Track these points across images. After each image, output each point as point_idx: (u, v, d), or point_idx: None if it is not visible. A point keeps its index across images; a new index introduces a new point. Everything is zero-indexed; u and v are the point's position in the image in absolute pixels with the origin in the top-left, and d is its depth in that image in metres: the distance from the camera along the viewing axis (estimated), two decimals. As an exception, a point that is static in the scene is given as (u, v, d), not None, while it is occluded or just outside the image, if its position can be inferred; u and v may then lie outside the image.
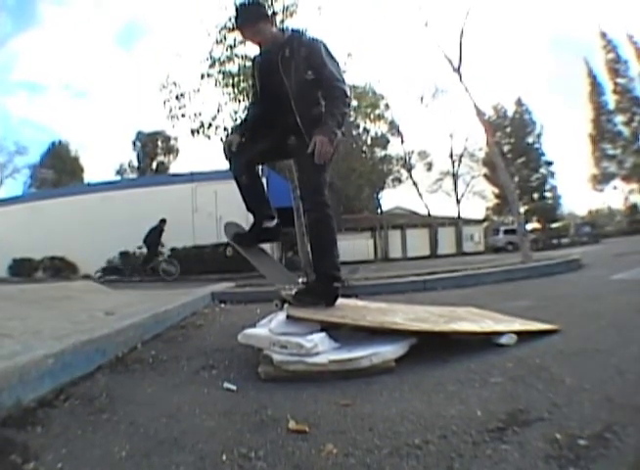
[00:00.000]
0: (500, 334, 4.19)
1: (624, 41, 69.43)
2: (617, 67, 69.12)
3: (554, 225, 68.58)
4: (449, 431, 2.36)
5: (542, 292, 7.85)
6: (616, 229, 60.41)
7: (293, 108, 4.82)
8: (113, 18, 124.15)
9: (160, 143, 78.92)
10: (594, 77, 72.64)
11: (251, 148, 5.24)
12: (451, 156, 72.27)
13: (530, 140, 75.47)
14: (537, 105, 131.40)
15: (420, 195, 67.37)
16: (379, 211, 67.17)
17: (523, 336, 4.22)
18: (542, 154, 75.77)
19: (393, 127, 62.68)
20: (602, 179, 70.14)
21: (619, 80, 68.91)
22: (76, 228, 28.25)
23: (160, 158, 79.62)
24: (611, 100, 71.20)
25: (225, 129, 16.69)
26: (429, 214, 63.72)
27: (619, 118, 69.71)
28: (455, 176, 71.64)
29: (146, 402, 3.11)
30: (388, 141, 68.48)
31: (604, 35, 70.45)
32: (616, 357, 3.40)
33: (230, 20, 16.40)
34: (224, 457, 2.19)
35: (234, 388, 3.34)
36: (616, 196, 72.73)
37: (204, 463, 2.17)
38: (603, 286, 7.65)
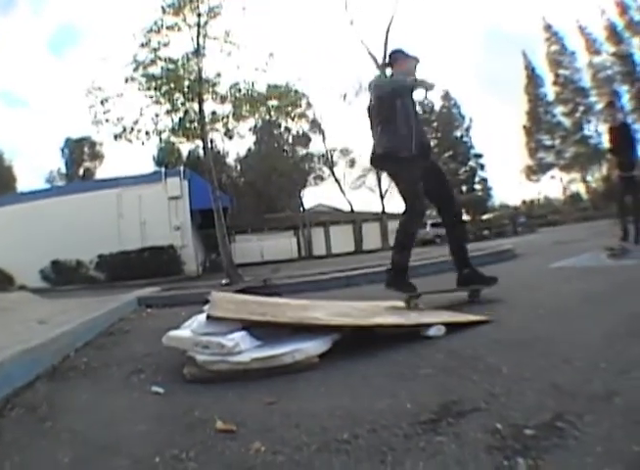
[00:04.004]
0: (428, 326, 4.20)
1: (572, 33, 70.67)
2: (560, 58, 70.23)
3: (485, 217, 69.36)
4: (378, 425, 2.35)
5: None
6: (554, 219, 61.15)
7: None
8: (44, 23, 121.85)
9: (86, 149, 77.89)
10: (532, 70, 73.92)
11: None
12: None
13: (459, 134, 76.25)
14: (468, 99, 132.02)
15: (343, 192, 67.43)
16: (301, 209, 67.30)
17: (453, 328, 4.23)
18: (471, 147, 76.61)
19: (315, 126, 62.71)
20: (537, 170, 71.01)
21: (562, 72, 70.04)
22: (10, 239, 27.75)
23: (87, 164, 78.55)
24: (550, 91, 72.62)
25: (147, 133, 16.69)
26: (352, 211, 63.89)
27: (560, 109, 70.94)
28: (378, 172, 71.98)
29: (83, 410, 3.12)
30: (309, 139, 68.91)
31: (548, 27, 71.62)
32: (559, 346, 3.40)
33: (155, 23, 16.46)
34: (157, 460, 2.20)
35: (162, 391, 3.35)
36: (553, 186, 73.58)
37: (139, 467, 2.18)
38: (540, 274, 7.74)
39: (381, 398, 2.77)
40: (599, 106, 65.49)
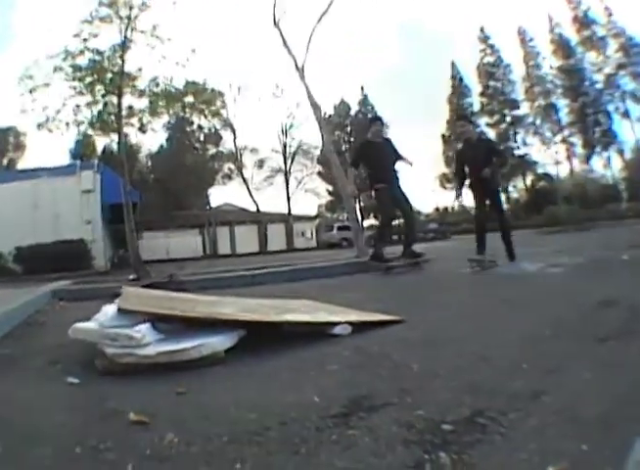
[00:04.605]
0: (334, 325, 4.28)
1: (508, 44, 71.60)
2: (493, 70, 71.57)
3: (394, 222, 69.12)
4: (288, 417, 2.39)
5: (381, 285, 8.02)
6: (470, 227, 61.38)
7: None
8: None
9: (11, 139, 75.92)
10: (460, 80, 75.31)
11: None
12: (284, 153, 72.08)
13: (373, 139, 75.99)
14: (385, 106, 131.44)
15: (250, 192, 67.02)
16: (208, 207, 66.88)
17: (361, 327, 4.29)
18: (384, 153, 76.48)
19: (227, 124, 62.43)
20: (453, 178, 71.75)
21: (493, 83, 71.43)
22: None
23: (11, 154, 76.48)
24: (476, 102, 74.01)
25: (67, 124, 16.55)
26: (258, 211, 63.57)
27: (484, 120, 72.33)
28: (287, 173, 71.80)
29: (6, 400, 3.12)
30: (220, 137, 68.67)
31: (485, 39, 72.89)
32: (475, 346, 3.47)
33: (91, 13, 16.36)
34: (78, 450, 2.20)
35: (77, 381, 3.36)
36: (468, 194, 74.14)
37: (62, 456, 2.17)
38: (452, 278, 7.94)
39: (288, 391, 2.83)
40: (530, 118, 67.31)
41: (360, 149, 12.20)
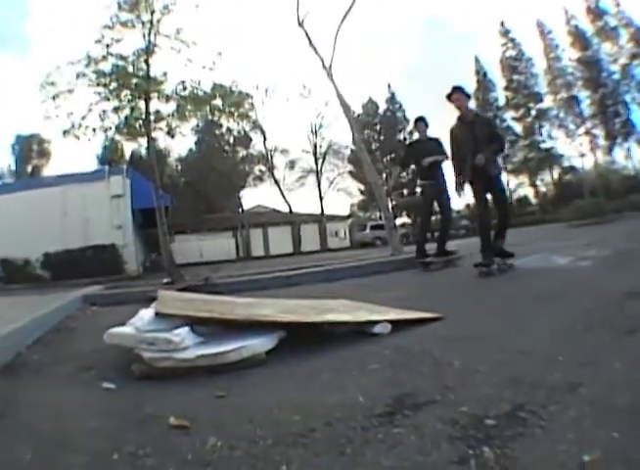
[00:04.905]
0: (374, 323, 4.23)
1: (530, 37, 71.11)
2: (516, 64, 70.82)
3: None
4: (333, 418, 2.36)
5: (417, 282, 7.86)
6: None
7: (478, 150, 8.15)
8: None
9: (35, 146, 76.60)
10: (484, 75, 74.39)
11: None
12: (315, 153, 72.02)
13: (402, 137, 75.78)
14: (411, 102, 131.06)
15: (282, 193, 67.06)
16: (240, 210, 66.79)
17: (400, 326, 4.25)
18: (414, 150, 76.22)
19: (257, 126, 62.31)
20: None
21: (517, 77, 70.60)
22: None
23: (35, 161, 77.16)
24: (501, 96, 73.19)
25: (94, 130, 16.56)
26: (291, 212, 63.57)
27: (510, 114, 71.69)
28: (318, 174, 71.72)
29: (38, 406, 3.09)
30: (250, 140, 68.46)
31: (506, 33, 72.16)
32: (514, 341, 3.45)
33: (111, 19, 16.36)
34: (115, 456, 2.16)
35: (113, 386, 3.32)
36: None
37: (98, 463, 2.13)
38: (486, 275, 7.70)
39: (331, 392, 2.80)
40: (554, 111, 66.67)
41: (408, 148, 12.24)
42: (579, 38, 64.30)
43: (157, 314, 3.91)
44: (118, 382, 3.41)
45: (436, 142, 11.23)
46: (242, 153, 68.66)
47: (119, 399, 3.11)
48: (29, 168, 75.70)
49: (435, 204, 11.16)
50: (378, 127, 76.92)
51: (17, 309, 7.09)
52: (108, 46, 16.55)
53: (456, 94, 8.81)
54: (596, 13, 62.37)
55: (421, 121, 11.49)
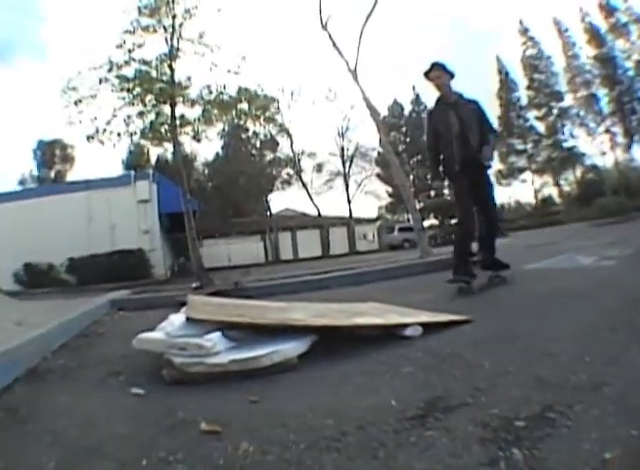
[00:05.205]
0: (405, 326, 4.21)
1: (549, 35, 70.81)
2: (536, 63, 70.43)
3: (454, 221, 69.29)
4: (365, 422, 2.35)
5: (444, 285, 7.87)
6: (527, 222, 60.98)
7: (472, 143, 7.03)
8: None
9: (57, 151, 77.29)
10: (506, 74, 74.12)
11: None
12: (342, 156, 74.13)
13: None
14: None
15: (310, 196, 67.25)
16: (268, 213, 67.31)
17: (430, 328, 4.23)
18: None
19: (283, 129, 62.46)
20: (508, 174, 70.93)
21: (537, 76, 70.25)
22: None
23: (58, 166, 77.85)
24: (524, 96, 72.85)
25: (118, 135, 16.61)
26: (319, 215, 63.63)
27: (533, 113, 71.34)
28: (346, 177, 71.87)
29: (63, 412, 3.06)
30: (277, 143, 68.90)
31: (525, 31, 71.75)
32: (540, 342, 3.46)
33: (132, 23, 16.39)
34: (144, 462, 2.16)
35: (142, 392, 3.31)
36: (525, 190, 73.62)
37: (126, 468, 2.14)
38: (515, 276, 7.64)
39: (363, 395, 2.78)
40: (574, 110, 66.28)
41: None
42: (594, 35, 64.02)
43: (187, 319, 3.89)
44: (148, 387, 3.40)
45: None
46: (269, 156, 69.18)
47: (149, 404, 3.10)
48: (52, 174, 76.38)
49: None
50: (404, 129, 76.71)
51: (41, 314, 7.12)
52: (130, 51, 16.62)
53: (436, 71, 7.34)
54: (608, 9, 62.05)
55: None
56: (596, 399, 2.30)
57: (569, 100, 68.01)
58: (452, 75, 7.41)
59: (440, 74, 7.29)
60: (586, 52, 65.78)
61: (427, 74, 7.41)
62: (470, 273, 6.85)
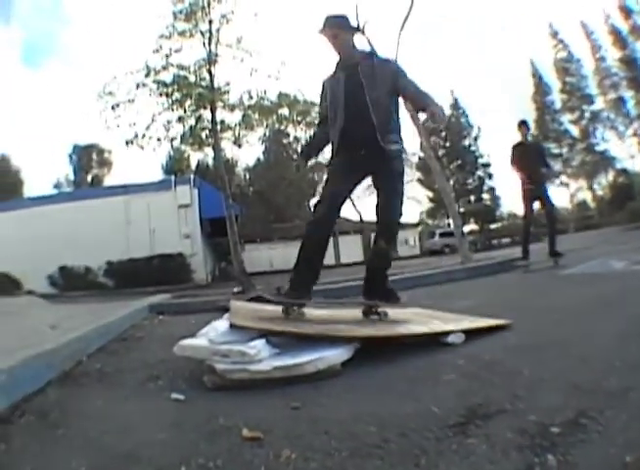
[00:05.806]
0: (447, 333, 4.19)
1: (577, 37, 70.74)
2: (567, 66, 70.23)
3: (493, 226, 69.30)
4: (408, 429, 2.33)
5: (487, 290, 7.86)
6: (563, 227, 60.94)
7: (372, 118, 4.95)
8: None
9: (94, 156, 78.30)
10: (540, 78, 73.89)
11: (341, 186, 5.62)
12: None
13: (467, 143, 76.75)
14: (476, 107, 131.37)
15: (352, 201, 67.40)
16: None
17: (471, 334, 4.23)
18: (479, 156, 76.86)
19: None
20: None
21: (569, 79, 70.01)
22: (17, 243, 27.58)
23: (95, 171, 78.93)
24: (557, 99, 72.51)
25: (158, 139, 16.71)
26: (361, 220, 63.20)
27: (567, 117, 70.93)
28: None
29: (97, 416, 3.04)
30: (319, 148, 68.60)
31: (555, 34, 71.58)
32: (575, 348, 3.46)
33: (167, 28, 16.47)
34: (183, 469, 2.14)
35: (182, 398, 3.28)
36: (561, 194, 73.67)
37: None
38: (552, 281, 7.76)
39: (406, 402, 2.76)
40: (605, 113, 66.23)
41: (513, 150, 12.10)
42: (618, 37, 64.16)
43: (231, 326, 3.90)
44: (188, 393, 3.39)
45: (537, 147, 11.94)
46: (310, 161, 69.34)
47: (189, 410, 3.07)
48: (89, 178, 77.43)
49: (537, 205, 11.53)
50: (443, 134, 76.53)
51: (76, 318, 7.14)
52: (167, 56, 16.73)
53: (330, 29, 5.22)
54: (626, 11, 62.07)
55: (522, 124, 11.63)
56: (625, 403, 2.34)
57: (599, 103, 68.13)
58: (355, 30, 5.43)
59: (337, 33, 5.20)
60: (612, 54, 65.85)
61: (321, 32, 5.24)
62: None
